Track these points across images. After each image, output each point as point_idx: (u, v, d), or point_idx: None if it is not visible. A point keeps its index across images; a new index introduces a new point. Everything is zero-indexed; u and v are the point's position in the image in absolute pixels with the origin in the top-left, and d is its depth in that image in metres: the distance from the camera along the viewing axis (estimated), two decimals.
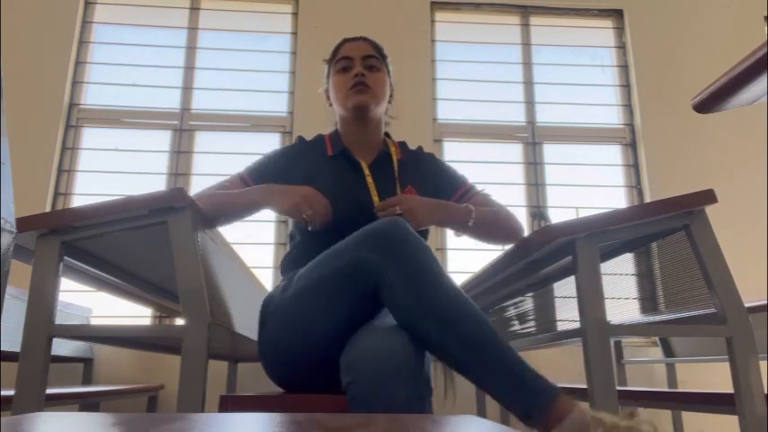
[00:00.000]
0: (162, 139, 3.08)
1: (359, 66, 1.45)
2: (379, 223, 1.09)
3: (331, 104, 1.54)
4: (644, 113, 3.25)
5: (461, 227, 1.37)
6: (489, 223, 1.37)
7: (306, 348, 1.16)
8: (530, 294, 1.77)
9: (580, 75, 3.38)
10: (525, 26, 3.42)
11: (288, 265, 1.41)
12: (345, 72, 1.46)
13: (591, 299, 1.10)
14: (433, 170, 1.52)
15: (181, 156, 3.03)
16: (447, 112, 3.24)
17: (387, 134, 1.54)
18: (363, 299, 1.08)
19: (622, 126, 3.31)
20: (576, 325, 1.14)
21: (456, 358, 0.97)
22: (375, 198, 1.38)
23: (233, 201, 1.34)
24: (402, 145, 1.55)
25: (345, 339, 1.08)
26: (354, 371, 0.97)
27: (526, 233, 1.39)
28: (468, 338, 0.96)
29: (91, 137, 3.06)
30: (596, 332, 1.08)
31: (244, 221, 1.42)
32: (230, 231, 2.80)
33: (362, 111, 1.44)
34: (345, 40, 1.52)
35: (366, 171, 1.43)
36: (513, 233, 1.41)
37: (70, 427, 0.42)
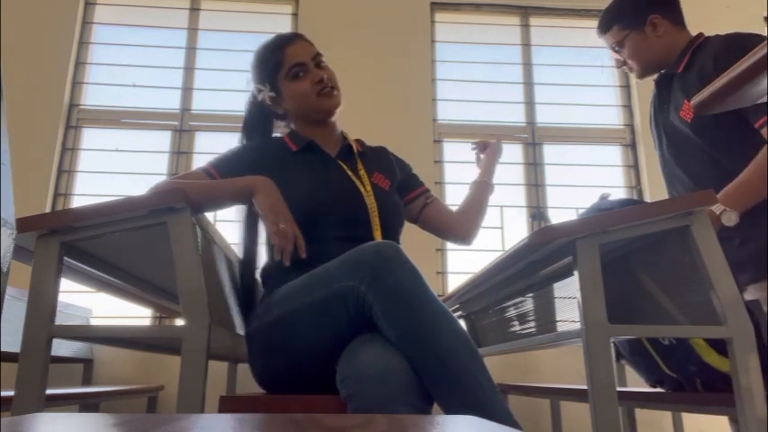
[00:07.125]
0: (162, 140, 3.08)
1: (314, 69, 1.44)
2: (368, 250, 1.06)
3: (281, 113, 1.51)
4: (644, 114, 3.25)
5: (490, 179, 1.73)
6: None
7: (298, 370, 1.16)
8: (530, 295, 1.77)
9: (580, 75, 3.38)
10: (525, 27, 3.42)
11: (271, 276, 1.34)
12: (301, 79, 1.43)
13: (591, 299, 1.09)
14: (392, 162, 1.58)
15: (181, 156, 3.03)
16: (447, 112, 3.23)
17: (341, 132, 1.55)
18: (352, 322, 1.07)
19: (622, 127, 3.31)
20: (577, 325, 1.14)
21: (439, 399, 0.97)
22: (359, 185, 1.37)
23: (219, 187, 1.30)
24: (358, 140, 1.56)
25: (339, 352, 1.07)
26: (354, 386, 0.95)
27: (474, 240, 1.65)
28: (451, 381, 0.95)
29: (91, 137, 3.06)
30: (596, 332, 1.08)
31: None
32: (230, 231, 2.81)
33: (334, 113, 1.46)
34: (285, 45, 1.46)
35: (339, 161, 1.42)
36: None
37: (70, 428, 0.42)
